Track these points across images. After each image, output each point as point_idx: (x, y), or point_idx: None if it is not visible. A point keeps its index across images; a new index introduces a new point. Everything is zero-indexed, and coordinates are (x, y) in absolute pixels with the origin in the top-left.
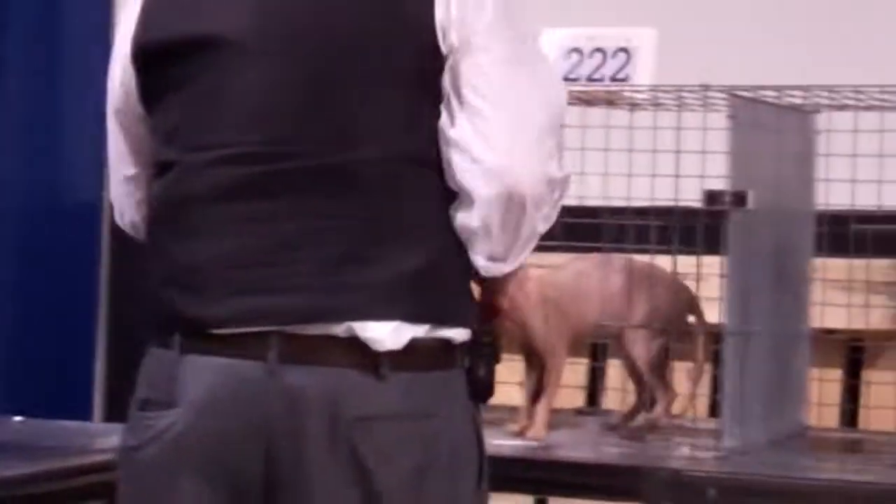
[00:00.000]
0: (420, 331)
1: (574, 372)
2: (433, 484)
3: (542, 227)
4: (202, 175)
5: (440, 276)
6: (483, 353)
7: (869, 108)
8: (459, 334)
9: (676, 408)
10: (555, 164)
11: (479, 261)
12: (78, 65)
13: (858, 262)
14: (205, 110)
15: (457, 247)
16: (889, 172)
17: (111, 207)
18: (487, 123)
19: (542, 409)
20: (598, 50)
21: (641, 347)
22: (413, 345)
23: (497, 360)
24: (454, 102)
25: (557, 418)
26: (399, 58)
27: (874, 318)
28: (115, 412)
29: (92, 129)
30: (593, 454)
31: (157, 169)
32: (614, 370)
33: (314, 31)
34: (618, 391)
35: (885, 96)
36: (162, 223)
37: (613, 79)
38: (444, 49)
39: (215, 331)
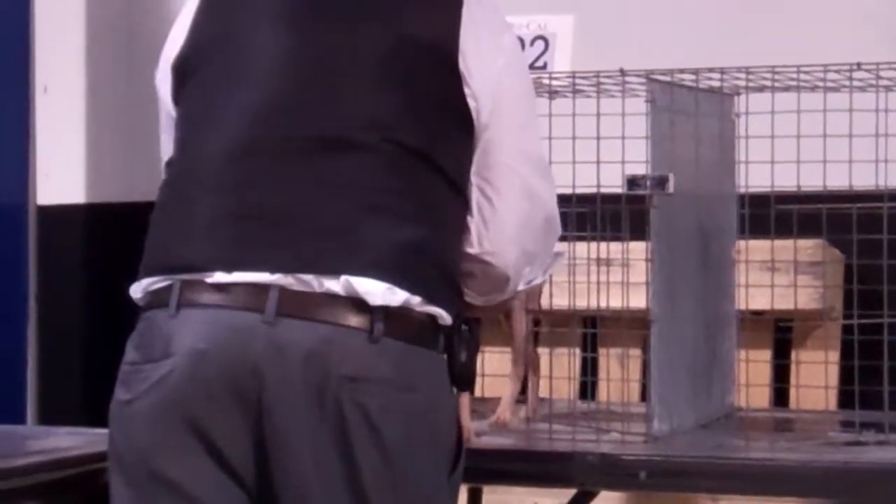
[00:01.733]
0: (413, 300)
1: (505, 361)
2: (410, 462)
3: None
4: (221, 137)
5: (432, 256)
6: (463, 340)
7: (786, 88)
8: (445, 317)
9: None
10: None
11: None
12: None
13: (781, 243)
14: (227, 78)
15: (450, 237)
16: (807, 153)
17: (37, 211)
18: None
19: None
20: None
21: (520, 322)
22: (405, 311)
23: (477, 348)
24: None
25: (488, 406)
26: (419, 78)
27: (801, 299)
28: (49, 415)
29: (16, 134)
30: (524, 441)
31: (180, 134)
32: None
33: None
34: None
35: (802, 76)
36: (176, 182)
37: (532, 67)
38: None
39: (215, 277)
